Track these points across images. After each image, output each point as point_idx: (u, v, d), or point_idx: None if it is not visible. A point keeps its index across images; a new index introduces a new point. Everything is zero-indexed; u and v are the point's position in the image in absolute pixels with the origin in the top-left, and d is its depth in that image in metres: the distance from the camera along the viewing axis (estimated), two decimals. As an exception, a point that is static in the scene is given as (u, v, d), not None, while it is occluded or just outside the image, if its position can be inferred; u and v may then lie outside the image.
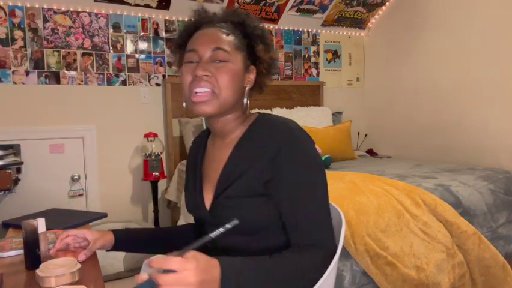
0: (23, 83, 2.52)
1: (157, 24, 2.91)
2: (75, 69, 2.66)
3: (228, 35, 0.87)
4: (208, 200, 0.92)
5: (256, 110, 2.72)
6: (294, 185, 0.82)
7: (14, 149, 2.35)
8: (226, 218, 0.85)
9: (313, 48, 3.59)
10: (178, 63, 0.97)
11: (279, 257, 0.77)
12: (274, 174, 0.82)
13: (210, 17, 0.92)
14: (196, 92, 0.83)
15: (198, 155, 1.00)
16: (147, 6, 2.81)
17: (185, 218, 2.30)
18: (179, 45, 0.95)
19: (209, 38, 0.86)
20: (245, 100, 0.91)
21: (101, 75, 2.74)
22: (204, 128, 2.69)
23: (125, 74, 2.82)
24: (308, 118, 3.10)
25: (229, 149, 0.91)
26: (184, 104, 0.92)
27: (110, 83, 2.77)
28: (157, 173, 2.72)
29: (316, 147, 0.92)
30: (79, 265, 0.92)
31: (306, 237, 0.82)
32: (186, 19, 3.29)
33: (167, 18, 2.94)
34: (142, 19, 2.85)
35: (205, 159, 0.99)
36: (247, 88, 0.91)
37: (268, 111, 2.90)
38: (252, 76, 0.92)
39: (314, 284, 0.78)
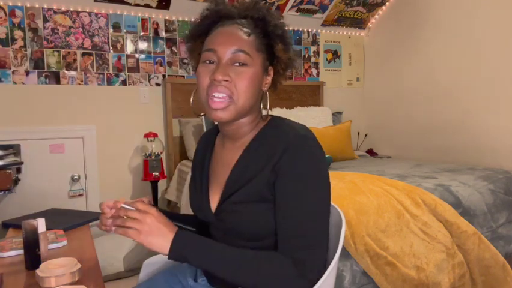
0: (23, 83, 2.52)
1: (157, 24, 2.90)
2: (75, 69, 2.66)
3: (249, 35, 0.82)
4: (214, 202, 0.90)
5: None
6: (288, 189, 0.79)
7: (14, 149, 2.35)
8: (232, 223, 0.85)
9: (313, 48, 3.59)
10: (191, 55, 0.92)
11: (248, 250, 0.78)
12: (275, 177, 0.80)
13: (230, 11, 0.85)
14: (213, 96, 0.80)
15: (206, 154, 0.98)
16: (147, 6, 2.81)
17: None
18: (195, 37, 0.89)
19: (230, 38, 0.80)
20: (262, 105, 0.89)
21: (101, 75, 2.74)
22: (204, 128, 2.69)
23: (125, 74, 2.82)
24: (308, 118, 3.10)
25: (238, 152, 0.88)
26: (192, 104, 0.91)
27: (110, 83, 2.77)
28: (157, 173, 2.72)
29: None
30: (79, 265, 0.92)
31: (287, 249, 0.78)
32: (186, 19, 3.27)
33: (167, 18, 2.94)
34: (142, 19, 2.85)
35: (213, 159, 0.96)
36: (265, 91, 0.89)
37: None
38: (269, 77, 0.89)
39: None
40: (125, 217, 0.77)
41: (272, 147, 0.82)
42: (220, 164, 0.93)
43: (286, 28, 0.88)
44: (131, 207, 0.78)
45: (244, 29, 0.82)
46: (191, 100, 0.96)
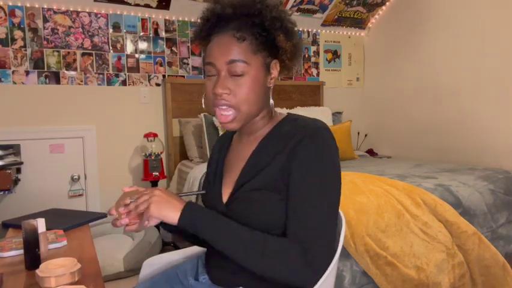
0: (23, 83, 2.52)
1: (157, 24, 2.90)
2: (75, 69, 2.66)
3: (243, 40, 0.82)
4: (226, 194, 0.91)
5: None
6: (301, 178, 0.80)
7: (14, 149, 2.35)
8: (243, 212, 0.85)
9: (313, 48, 3.59)
10: (202, 52, 0.97)
11: (258, 231, 0.79)
12: (289, 165, 0.81)
13: (225, 11, 0.84)
14: (219, 109, 0.84)
15: (222, 152, 1.01)
16: (147, 6, 2.81)
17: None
18: (199, 39, 0.91)
19: (223, 50, 0.82)
20: (270, 101, 0.91)
21: (101, 75, 2.74)
22: (204, 128, 2.69)
23: (125, 74, 2.82)
24: (308, 118, 3.09)
25: (254, 145, 0.91)
26: (204, 106, 0.95)
27: (110, 83, 2.77)
28: (157, 173, 2.71)
29: None
30: (79, 265, 0.92)
31: (295, 237, 0.78)
32: (186, 19, 3.26)
33: (167, 18, 2.94)
34: (142, 19, 2.85)
35: (229, 154, 0.99)
36: (271, 88, 0.90)
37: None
38: (275, 71, 0.89)
39: (268, 273, 0.77)
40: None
41: (288, 137, 0.84)
42: (236, 157, 0.95)
43: (284, 16, 0.87)
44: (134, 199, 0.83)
45: (238, 35, 0.82)
46: (202, 102, 0.98)
